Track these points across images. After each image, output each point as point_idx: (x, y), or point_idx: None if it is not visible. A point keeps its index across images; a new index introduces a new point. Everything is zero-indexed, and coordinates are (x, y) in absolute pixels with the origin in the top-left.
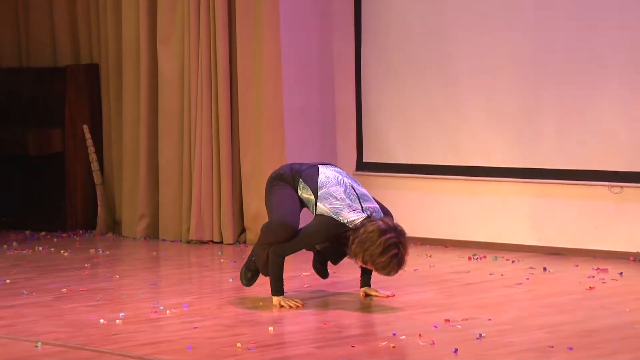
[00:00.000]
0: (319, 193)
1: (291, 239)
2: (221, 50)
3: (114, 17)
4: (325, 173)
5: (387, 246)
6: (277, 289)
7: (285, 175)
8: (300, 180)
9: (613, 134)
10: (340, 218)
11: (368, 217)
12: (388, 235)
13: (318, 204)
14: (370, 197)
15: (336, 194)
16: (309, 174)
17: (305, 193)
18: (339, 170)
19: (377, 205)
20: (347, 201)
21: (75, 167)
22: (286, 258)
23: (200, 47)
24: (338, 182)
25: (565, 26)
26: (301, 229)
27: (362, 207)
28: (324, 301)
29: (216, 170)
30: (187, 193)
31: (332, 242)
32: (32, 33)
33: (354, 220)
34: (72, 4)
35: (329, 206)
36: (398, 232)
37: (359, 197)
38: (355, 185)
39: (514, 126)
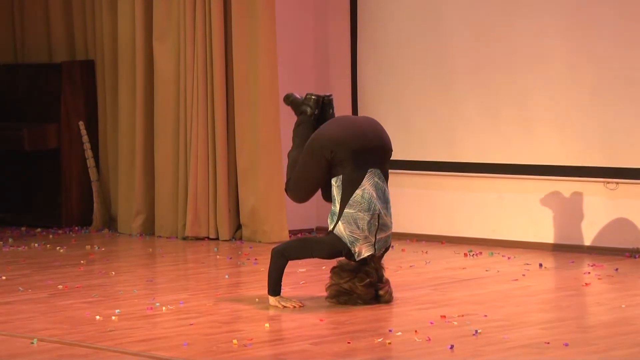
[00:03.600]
0: (345, 210)
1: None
2: (217, 47)
3: (110, 13)
4: (364, 189)
5: (367, 300)
6: (275, 289)
7: (337, 154)
8: (341, 177)
9: (608, 131)
10: (354, 249)
11: (373, 255)
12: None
13: (339, 223)
14: (389, 222)
15: (360, 222)
16: (351, 180)
17: (335, 190)
18: (381, 184)
19: (391, 232)
20: (366, 233)
21: (70, 163)
22: None
23: (196, 43)
24: (369, 207)
25: (562, 22)
26: (314, 238)
27: (375, 240)
28: (319, 297)
29: (212, 166)
30: (183, 189)
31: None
32: (28, 29)
33: (361, 254)
34: (67, 0)
35: (349, 233)
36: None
37: (379, 228)
38: (382, 213)
39: (510, 123)
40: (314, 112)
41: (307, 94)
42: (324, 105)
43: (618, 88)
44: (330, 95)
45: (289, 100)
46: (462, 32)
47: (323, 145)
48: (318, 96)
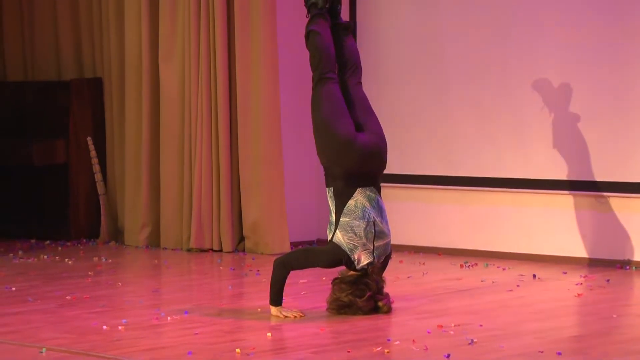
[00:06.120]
0: (341, 220)
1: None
2: (220, 65)
3: (117, 33)
4: (357, 200)
5: (366, 311)
6: (277, 299)
7: (330, 169)
8: (332, 189)
9: (599, 146)
10: (353, 256)
11: (372, 263)
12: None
13: (337, 231)
14: (387, 230)
15: (357, 229)
16: (342, 194)
17: (330, 201)
18: (373, 195)
19: (389, 239)
20: (363, 240)
21: (79, 178)
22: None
23: (200, 61)
24: (363, 215)
25: (556, 39)
26: (315, 248)
27: (373, 247)
28: (320, 308)
29: (216, 180)
30: (187, 203)
31: None
32: (37, 48)
33: (361, 262)
34: (76, 20)
35: (347, 241)
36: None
37: (376, 235)
38: (377, 220)
39: (504, 138)
40: (324, 6)
41: None
42: (334, 0)
43: (608, 105)
44: None
45: None
46: (458, 50)
47: (319, 152)
48: None
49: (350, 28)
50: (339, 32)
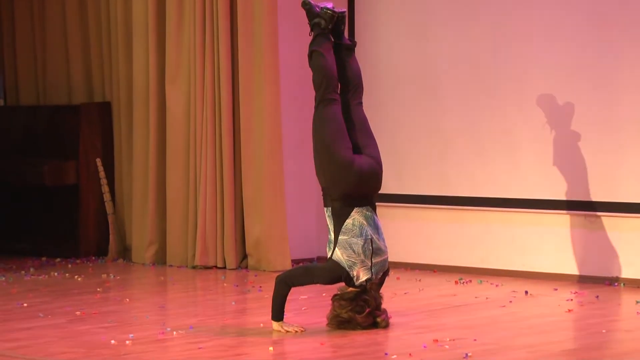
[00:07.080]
0: (340, 238)
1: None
2: (224, 88)
3: (125, 59)
4: (354, 218)
5: (366, 327)
6: (279, 315)
7: (328, 190)
8: (331, 209)
9: (589, 167)
10: (352, 273)
11: (370, 279)
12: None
13: (336, 249)
14: (384, 247)
15: (355, 247)
16: (339, 214)
17: (328, 220)
18: (369, 214)
19: (387, 256)
20: (362, 257)
21: (88, 198)
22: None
23: (205, 85)
24: (361, 232)
25: (548, 62)
26: (316, 265)
27: (372, 263)
28: (320, 322)
29: (220, 201)
30: (192, 222)
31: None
32: (49, 73)
33: (359, 278)
34: (86, 47)
35: (346, 258)
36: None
37: (373, 252)
38: (374, 238)
39: (497, 159)
40: (327, 26)
41: (323, 8)
42: (337, 21)
43: (598, 127)
44: (344, 12)
45: (306, 7)
46: (452, 74)
47: (318, 173)
48: (334, 12)
49: (354, 48)
50: (342, 52)
